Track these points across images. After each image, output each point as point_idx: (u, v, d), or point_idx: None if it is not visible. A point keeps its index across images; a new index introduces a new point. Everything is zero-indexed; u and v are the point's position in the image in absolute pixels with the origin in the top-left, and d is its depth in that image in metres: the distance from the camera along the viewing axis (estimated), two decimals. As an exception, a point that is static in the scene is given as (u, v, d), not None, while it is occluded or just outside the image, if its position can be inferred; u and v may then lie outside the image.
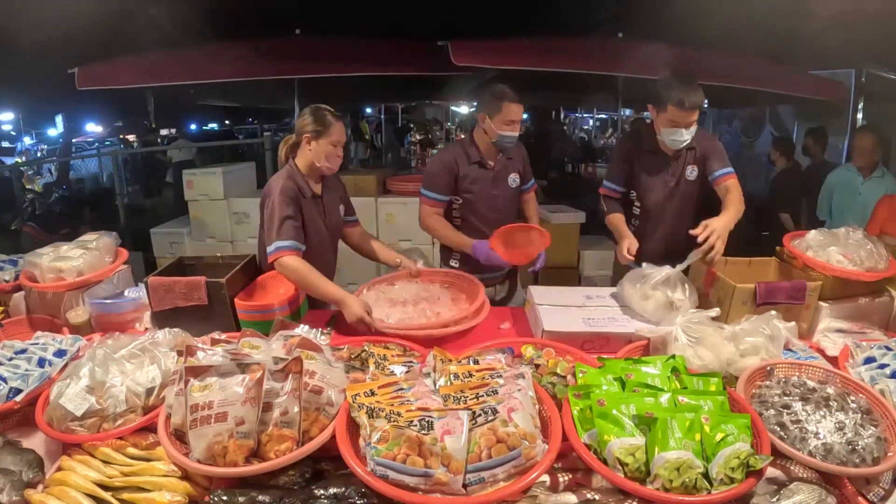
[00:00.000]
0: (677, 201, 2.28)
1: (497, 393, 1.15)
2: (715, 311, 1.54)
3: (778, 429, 1.19)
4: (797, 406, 1.24)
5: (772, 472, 1.12)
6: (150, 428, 1.25)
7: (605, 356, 1.41)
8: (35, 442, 1.29)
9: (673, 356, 1.37)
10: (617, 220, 2.28)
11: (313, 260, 1.92)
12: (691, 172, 2.27)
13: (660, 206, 2.29)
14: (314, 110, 2.01)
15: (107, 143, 13.54)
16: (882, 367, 1.40)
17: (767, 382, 1.35)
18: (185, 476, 1.14)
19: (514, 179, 2.43)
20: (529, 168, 2.53)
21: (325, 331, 1.71)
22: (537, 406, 1.18)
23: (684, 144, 2.13)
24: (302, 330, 1.54)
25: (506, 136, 2.24)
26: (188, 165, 6.63)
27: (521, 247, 2.23)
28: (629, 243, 2.11)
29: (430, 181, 2.35)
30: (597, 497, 1.08)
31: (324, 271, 1.90)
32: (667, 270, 1.78)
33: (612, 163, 2.49)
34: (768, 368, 1.39)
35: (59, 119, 13.34)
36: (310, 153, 2.01)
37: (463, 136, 2.62)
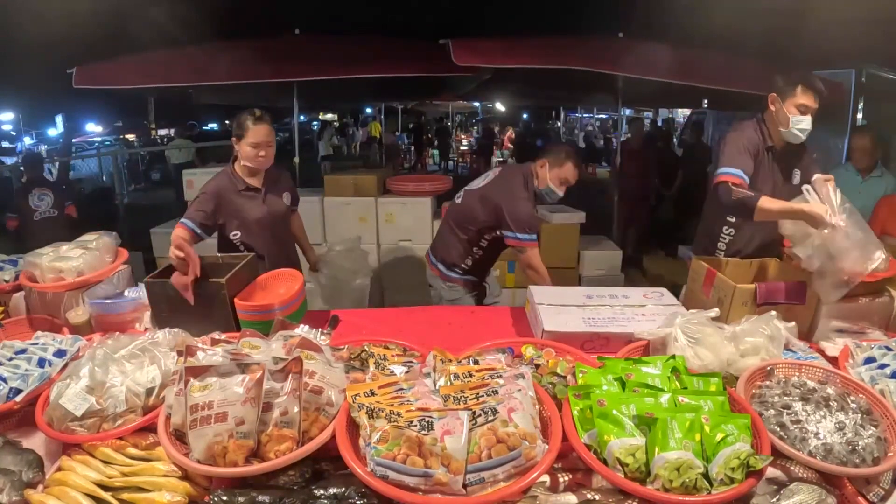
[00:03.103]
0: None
1: (497, 393, 1.15)
2: (715, 312, 1.54)
3: (778, 429, 1.18)
4: (797, 406, 1.24)
5: (772, 472, 1.12)
6: (150, 428, 1.25)
7: (605, 356, 1.41)
8: (35, 442, 1.29)
9: (673, 356, 1.37)
10: (770, 201, 1.81)
11: (250, 240, 2.23)
12: (795, 175, 2.10)
13: None
14: (238, 115, 2.22)
15: (107, 142, 13.55)
16: (882, 367, 1.40)
17: (767, 382, 1.35)
18: (185, 476, 1.14)
19: None
20: None
21: (325, 331, 1.71)
22: (537, 406, 1.18)
23: (805, 136, 1.99)
24: (302, 330, 1.53)
25: (554, 194, 2.42)
26: (188, 166, 6.63)
27: None
28: (822, 209, 1.62)
29: (532, 224, 2.37)
30: (597, 497, 1.08)
31: (272, 251, 2.25)
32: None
33: (735, 151, 2.01)
34: (768, 368, 1.39)
35: (59, 119, 13.36)
36: (239, 151, 2.22)
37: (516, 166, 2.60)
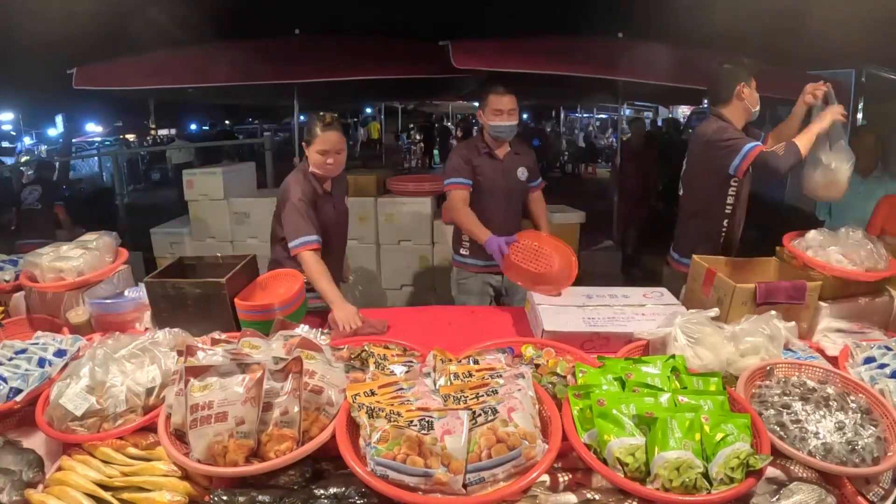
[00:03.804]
0: None
1: (497, 393, 1.15)
2: (715, 311, 1.54)
3: (778, 428, 1.19)
4: (797, 406, 1.24)
5: (772, 471, 1.12)
6: (150, 428, 1.25)
7: (605, 356, 1.41)
8: (35, 442, 1.29)
9: (673, 356, 1.37)
10: (799, 139, 2.02)
11: (323, 245, 2.10)
12: None
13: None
14: (310, 117, 2.16)
15: (107, 142, 13.56)
16: (882, 366, 1.40)
17: (767, 382, 1.35)
18: (186, 476, 1.14)
19: (522, 173, 2.57)
20: (538, 167, 2.70)
21: (325, 331, 1.71)
22: (537, 406, 1.18)
23: None
24: (302, 330, 1.54)
25: (495, 126, 2.43)
26: (188, 167, 6.66)
27: (539, 263, 2.15)
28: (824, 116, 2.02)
29: (454, 170, 2.51)
30: (597, 497, 1.08)
31: (333, 255, 2.19)
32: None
33: (739, 134, 2.17)
34: (768, 368, 1.39)
35: (59, 119, 13.37)
36: (308, 156, 2.16)
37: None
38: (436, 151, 14.19)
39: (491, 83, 2.50)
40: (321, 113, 2.12)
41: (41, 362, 1.42)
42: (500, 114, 2.41)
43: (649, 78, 3.68)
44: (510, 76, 3.45)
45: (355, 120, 16.27)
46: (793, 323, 1.54)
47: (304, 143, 2.15)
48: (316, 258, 2.00)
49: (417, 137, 14.70)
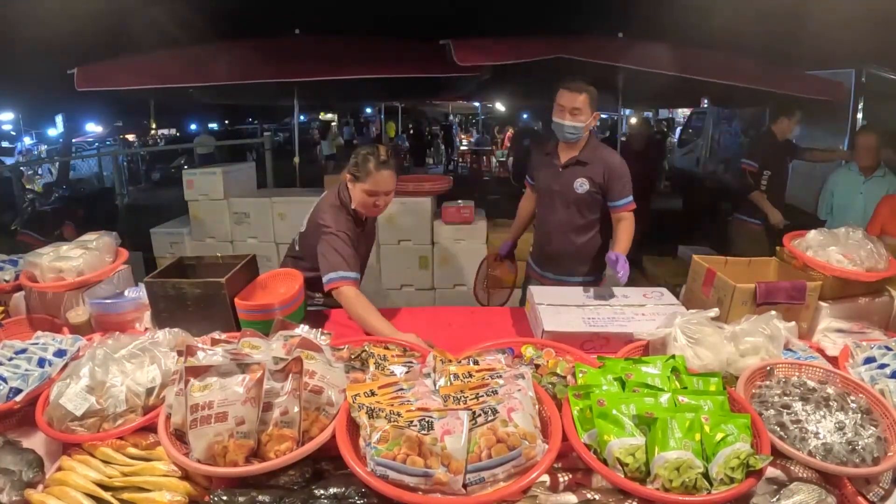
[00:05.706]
0: None
1: (497, 393, 1.15)
2: (714, 311, 1.54)
3: (778, 429, 1.19)
4: (797, 406, 1.24)
5: (772, 471, 1.12)
6: (150, 428, 1.25)
7: (605, 356, 1.41)
8: (35, 442, 1.29)
9: (673, 356, 1.37)
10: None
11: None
12: None
13: None
14: (364, 151, 1.95)
15: (108, 142, 13.58)
16: (882, 367, 1.40)
17: (767, 382, 1.35)
18: (186, 476, 1.14)
19: (580, 185, 2.27)
20: (620, 185, 2.25)
21: (325, 331, 1.71)
22: (537, 406, 1.18)
23: None
24: (302, 330, 1.53)
25: (554, 122, 2.22)
26: (211, 159, 6.66)
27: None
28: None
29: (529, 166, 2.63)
30: (597, 497, 1.08)
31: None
32: None
33: None
34: (768, 368, 1.39)
35: (59, 119, 13.37)
36: (351, 191, 1.99)
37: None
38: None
39: (563, 76, 2.23)
40: (377, 146, 1.93)
41: (41, 362, 1.42)
42: (562, 110, 2.18)
43: (652, 69, 3.66)
44: (509, 77, 3.44)
45: (355, 121, 16.29)
46: (793, 323, 1.54)
47: (348, 175, 1.96)
48: (357, 293, 1.86)
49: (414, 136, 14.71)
